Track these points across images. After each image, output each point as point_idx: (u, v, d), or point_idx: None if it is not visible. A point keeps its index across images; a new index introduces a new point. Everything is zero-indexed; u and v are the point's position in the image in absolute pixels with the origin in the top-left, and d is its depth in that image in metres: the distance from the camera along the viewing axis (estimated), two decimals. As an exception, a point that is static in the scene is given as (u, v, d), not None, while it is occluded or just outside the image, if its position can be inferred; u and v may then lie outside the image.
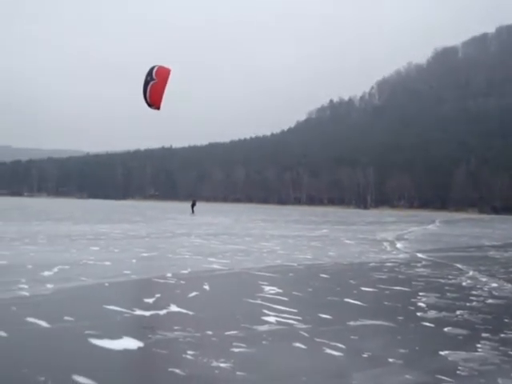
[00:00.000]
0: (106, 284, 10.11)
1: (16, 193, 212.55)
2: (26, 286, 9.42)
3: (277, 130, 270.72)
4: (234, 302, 8.92)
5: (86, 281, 10.37)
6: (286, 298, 9.24)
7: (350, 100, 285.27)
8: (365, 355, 6.08)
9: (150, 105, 14.81)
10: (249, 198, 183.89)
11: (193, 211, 56.94)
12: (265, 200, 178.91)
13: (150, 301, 8.61)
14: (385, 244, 22.76)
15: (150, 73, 14.77)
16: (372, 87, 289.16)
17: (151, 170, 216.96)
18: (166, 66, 15.15)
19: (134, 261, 13.89)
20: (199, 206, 69.93)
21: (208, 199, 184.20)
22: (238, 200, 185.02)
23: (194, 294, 9.37)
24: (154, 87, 14.72)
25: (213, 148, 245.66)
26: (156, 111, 14.87)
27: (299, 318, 7.77)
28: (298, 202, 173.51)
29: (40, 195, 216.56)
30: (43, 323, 6.89)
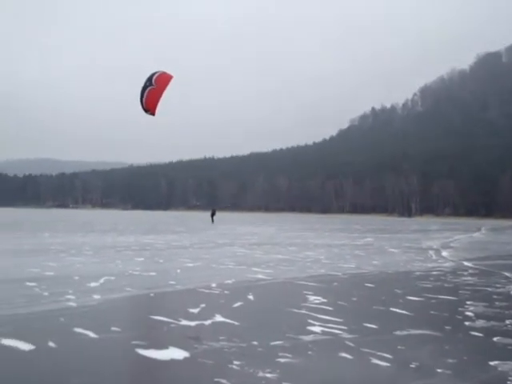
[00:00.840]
0: (152, 294, 10.19)
1: (61, 205, 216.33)
2: (73, 297, 9.56)
3: (319, 139, 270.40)
4: (279, 312, 8.89)
5: (131, 291, 10.48)
6: (330, 308, 9.18)
7: (393, 107, 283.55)
8: (412, 365, 5.99)
9: (145, 110, 14.88)
10: (291, 208, 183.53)
11: (212, 220, 57.23)
12: (307, 209, 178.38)
13: (195, 311, 8.64)
14: (430, 252, 22.46)
15: (149, 78, 14.76)
16: (415, 94, 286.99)
17: (193, 180, 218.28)
18: (168, 72, 15.22)
19: (178, 271, 13.97)
20: (242, 215, 70.00)
21: (250, 209, 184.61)
22: (280, 209, 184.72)
23: (238, 303, 9.38)
24: (151, 93, 14.69)
25: (255, 158, 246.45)
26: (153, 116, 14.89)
27: (344, 327, 7.71)
28: (341, 210, 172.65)
29: (85, 207, 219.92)
30: (91, 334, 6.98)
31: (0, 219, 60.54)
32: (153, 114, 14.90)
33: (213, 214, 59.63)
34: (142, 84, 14.78)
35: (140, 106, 14.81)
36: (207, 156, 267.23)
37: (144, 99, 14.70)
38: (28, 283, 11.18)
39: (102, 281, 11.81)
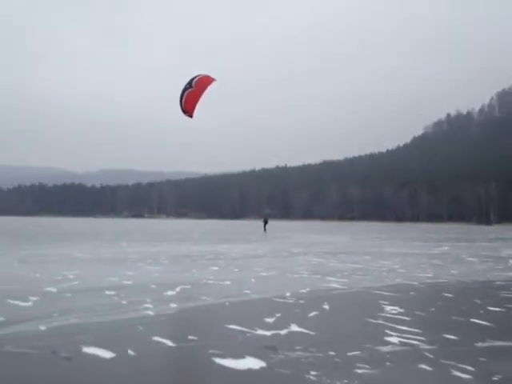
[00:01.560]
0: (227, 303, 10.26)
1: (137, 215, 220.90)
2: (150, 306, 9.74)
3: (392, 146, 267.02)
4: (355, 322, 8.79)
5: (207, 300, 10.58)
6: (408, 318, 9.01)
7: (469, 113, 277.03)
8: (495, 378, 5.81)
9: (184, 111, 14.95)
10: (365, 216, 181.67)
11: (265, 229, 57.13)
12: (381, 217, 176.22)
13: (271, 320, 8.65)
14: (510, 261, 21.76)
15: (190, 81, 14.91)
16: (492, 98, 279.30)
17: (266, 189, 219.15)
18: (211, 76, 15.27)
19: (253, 280, 14.03)
20: (316, 224, 69.66)
21: (323, 218, 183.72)
22: (353, 218, 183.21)
23: (313, 313, 9.33)
24: (190, 95, 14.78)
25: (327, 166, 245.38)
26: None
27: (423, 338, 7.55)
28: (415, 218, 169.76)
29: (160, 216, 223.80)
30: (169, 342, 7.08)
31: (79, 229, 62.35)
32: (190, 116, 15.05)
33: (265, 223, 59.82)
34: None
35: (180, 108, 15.04)
36: (280, 165, 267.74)
37: (183, 101, 14.88)
38: (107, 292, 11.46)
39: (178, 289, 11.99)
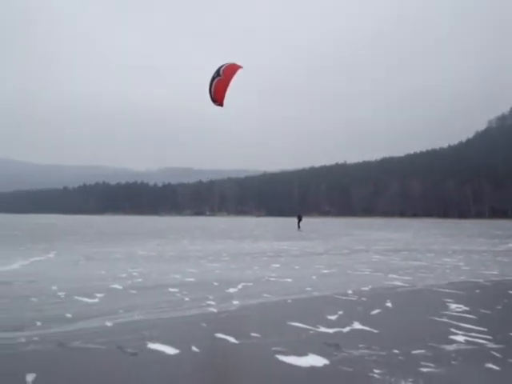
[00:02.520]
0: (289, 301, 10.28)
1: (198, 212, 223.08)
2: (213, 303, 9.84)
3: (454, 142, 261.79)
4: (419, 320, 8.66)
5: (269, 297, 10.63)
6: (473, 316, 8.84)
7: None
8: None
9: (214, 101, 14.82)
10: (427, 213, 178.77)
11: (299, 226, 56.77)
12: (444, 214, 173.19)
13: (333, 318, 8.62)
14: None
15: (217, 70, 14.79)
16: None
17: (326, 186, 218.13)
18: (237, 63, 15.12)
19: (314, 277, 14.00)
20: (376, 221, 68.96)
21: (384, 214, 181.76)
22: (415, 215, 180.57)
23: (376, 311, 9.26)
24: (219, 83, 14.64)
25: (387, 162, 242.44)
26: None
27: (489, 337, 7.41)
28: (479, 215, 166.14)
29: (221, 214, 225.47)
30: (232, 339, 7.15)
31: (142, 227, 63.37)
32: (221, 104, 14.95)
33: (299, 220, 59.54)
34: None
35: (209, 98, 14.96)
36: (339, 162, 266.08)
37: (212, 90, 14.78)
38: (171, 289, 11.64)
39: (240, 287, 12.08)
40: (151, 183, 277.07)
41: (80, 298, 10.33)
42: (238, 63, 15.21)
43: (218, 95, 14.88)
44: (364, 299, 10.54)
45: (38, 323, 8.06)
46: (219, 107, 15.10)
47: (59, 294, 11.00)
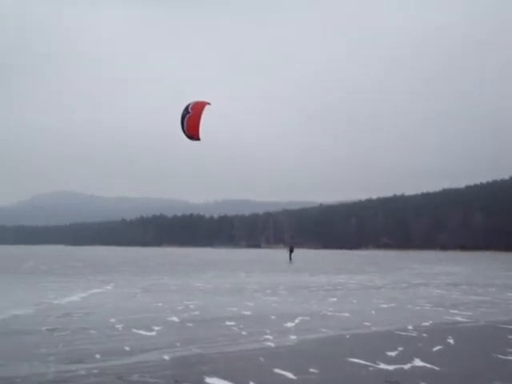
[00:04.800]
0: (347, 336, 10.11)
1: (254, 244, 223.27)
2: (270, 337, 9.76)
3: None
4: (484, 358, 8.37)
5: (327, 332, 10.48)
6: (541, 355, 8.50)
7: None
8: None
9: (189, 137, 15.17)
10: (489, 246, 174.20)
11: (290, 258, 56.27)
12: (506, 247, 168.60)
13: (393, 354, 8.42)
14: None
15: (186, 108, 15.40)
16: None
17: (384, 218, 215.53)
18: (204, 100, 15.67)
19: (373, 312, 13.77)
20: (436, 253, 67.68)
21: (443, 247, 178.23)
22: (476, 248, 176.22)
23: (438, 347, 9.00)
24: (191, 120, 15.26)
25: (447, 194, 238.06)
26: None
27: (559, 377, 7.10)
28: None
29: (277, 246, 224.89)
30: (289, 374, 7.05)
31: (199, 259, 63.76)
32: (197, 139, 15.53)
33: (291, 252, 59.14)
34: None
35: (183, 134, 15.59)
36: (397, 193, 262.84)
37: (185, 127, 15.28)
38: (227, 322, 11.61)
39: (297, 321, 11.96)
40: (207, 215, 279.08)
41: (138, 331, 10.39)
42: (206, 100, 15.77)
43: (193, 131, 15.57)
44: (424, 335, 10.28)
45: (97, 356, 8.12)
46: (197, 141, 15.81)
47: (117, 326, 11.10)
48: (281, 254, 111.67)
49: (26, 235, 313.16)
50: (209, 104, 15.82)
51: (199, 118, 15.58)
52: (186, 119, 15.55)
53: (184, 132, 15.66)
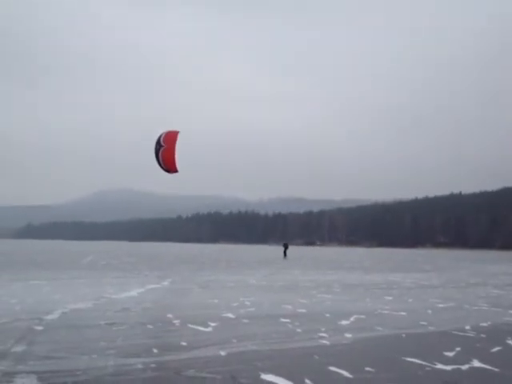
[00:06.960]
0: (403, 335, 10.01)
1: (308, 242, 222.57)
2: (325, 335, 9.75)
3: None
4: (544, 360, 8.20)
5: (382, 331, 10.41)
6: None
7: None
8: None
9: (166, 171, 15.18)
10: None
11: (285, 255, 55.98)
12: None
13: (450, 354, 8.31)
14: None
15: (158, 141, 15.44)
16: None
17: (440, 217, 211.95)
18: (173, 129, 15.72)
19: (429, 311, 13.59)
20: (493, 253, 66.09)
21: (502, 247, 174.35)
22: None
23: (496, 348, 8.84)
24: (166, 154, 15.33)
25: (506, 193, 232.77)
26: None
27: None
28: None
29: (331, 244, 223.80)
30: (345, 373, 7.03)
31: (254, 256, 64.00)
32: (175, 171, 15.71)
33: (286, 249, 58.96)
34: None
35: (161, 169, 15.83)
36: (454, 192, 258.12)
37: (161, 162, 15.28)
38: (282, 319, 11.65)
39: (352, 319, 11.91)
40: (262, 212, 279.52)
41: (194, 327, 10.52)
42: (175, 129, 15.84)
43: (169, 165, 15.74)
44: (483, 335, 10.10)
45: (155, 350, 8.27)
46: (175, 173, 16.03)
47: (174, 321, 11.27)
48: (335, 251, 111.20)
49: (85, 231, 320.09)
50: (178, 132, 15.89)
51: (173, 150, 15.67)
52: (160, 153, 15.64)
53: (160, 166, 15.79)
